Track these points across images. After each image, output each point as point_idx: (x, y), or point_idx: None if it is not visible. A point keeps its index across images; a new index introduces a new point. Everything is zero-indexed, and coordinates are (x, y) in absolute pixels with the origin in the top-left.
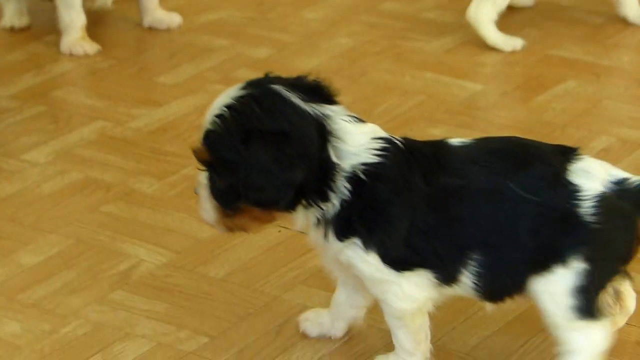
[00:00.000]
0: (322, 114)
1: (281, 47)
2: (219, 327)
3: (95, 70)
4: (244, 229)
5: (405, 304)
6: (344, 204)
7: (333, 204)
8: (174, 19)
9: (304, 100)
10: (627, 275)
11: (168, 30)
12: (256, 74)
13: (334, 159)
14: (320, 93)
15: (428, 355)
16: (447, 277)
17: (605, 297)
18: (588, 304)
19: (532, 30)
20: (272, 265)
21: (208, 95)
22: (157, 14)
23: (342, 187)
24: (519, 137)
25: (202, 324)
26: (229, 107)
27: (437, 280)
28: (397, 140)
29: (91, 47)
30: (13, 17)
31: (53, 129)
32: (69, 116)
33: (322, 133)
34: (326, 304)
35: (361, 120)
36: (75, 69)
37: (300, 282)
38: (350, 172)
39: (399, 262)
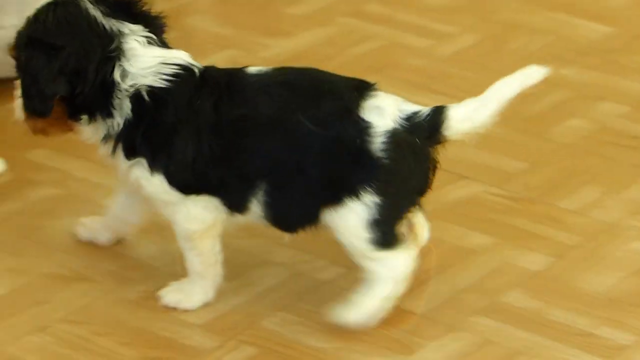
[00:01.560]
0: (118, 31)
1: None
2: None
3: None
4: (43, 132)
5: (193, 225)
6: (127, 123)
7: (117, 123)
8: None
9: (104, 14)
10: (420, 206)
11: None
12: (387, 7)
13: (116, 77)
14: (129, 9)
15: (219, 279)
16: (235, 204)
17: (401, 228)
18: (384, 236)
19: None
20: None
21: (338, 28)
22: None
23: (125, 106)
24: (316, 70)
25: (339, 255)
26: (35, 11)
27: (225, 207)
28: (194, 67)
29: None
30: None
31: None
32: (200, 43)
33: (110, 51)
34: None
35: (161, 43)
36: None
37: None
38: (133, 93)
39: (184, 186)
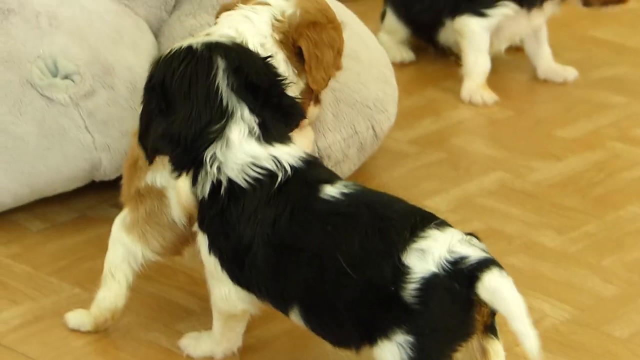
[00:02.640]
0: (231, 111)
1: None
2: None
3: (494, 120)
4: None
5: (226, 306)
6: (202, 200)
7: (202, 192)
8: (570, 73)
9: (230, 87)
10: (497, 335)
11: (563, 83)
12: None
13: (206, 157)
14: (257, 92)
15: (233, 350)
16: (275, 308)
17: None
18: None
19: None
20: None
21: (606, 152)
22: (553, 66)
23: (206, 186)
24: (389, 200)
25: None
26: (172, 52)
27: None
28: (281, 171)
29: (490, 97)
30: (400, 51)
31: (453, 176)
32: (468, 165)
33: (212, 130)
34: None
35: (269, 139)
36: (474, 118)
37: None
38: (216, 179)
39: (233, 276)
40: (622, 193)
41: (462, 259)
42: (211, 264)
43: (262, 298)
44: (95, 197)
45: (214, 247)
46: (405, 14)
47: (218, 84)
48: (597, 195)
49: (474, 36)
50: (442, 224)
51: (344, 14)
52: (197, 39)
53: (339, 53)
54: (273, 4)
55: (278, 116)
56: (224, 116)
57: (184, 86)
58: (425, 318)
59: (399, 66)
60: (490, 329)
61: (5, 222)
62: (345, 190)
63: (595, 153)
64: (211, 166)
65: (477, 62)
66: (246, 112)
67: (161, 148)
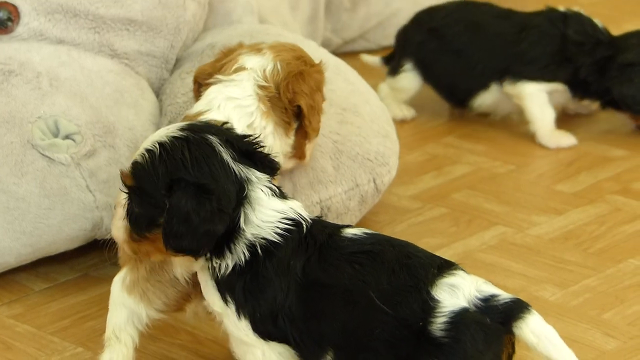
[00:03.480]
0: (246, 177)
1: None
2: None
3: (494, 174)
4: (147, 255)
5: None
6: (237, 268)
7: (227, 265)
8: (565, 140)
9: (233, 158)
10: None
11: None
12: None
13: (242, 224)
14: (253, 156)
15: None
16: (313, 357)
17: None
18: None
19: None
20: None
21: (607, 206)
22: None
23: (240, 252)
24: (406, 243)
25: None
26: (161, 145)
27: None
28: (304, 221)
29: (568, 139)
30: (402, 109)
31: (454, 231)
32: (469, 219)
33: (240, 196)
34: None
35: (281, 195)
36: (474, 173)
37: None
38: (250, 242)
39: (267, 334)
40: (622, 246)
41: (493, 296)
42: (241, 330)
43: (296, 347)
44: (97, 255)
45: (244, 312)
46: (437, 76)
47: (226, 159)
48: (598, 248)
49: (532, 96)
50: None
51: (345, 70)
52: (174, 125)
53: (322, 90)
54: (251, 66)
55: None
56: (242, 182)
57: (205, 171)
58: (455, 353)
59: (399, 122)
60: None
61: (7, 282)
62: (367, 231)
63: (596, 206)
64: (247, 229)
65: (543, 113)
66: (258, 174)
67: (217, 229)
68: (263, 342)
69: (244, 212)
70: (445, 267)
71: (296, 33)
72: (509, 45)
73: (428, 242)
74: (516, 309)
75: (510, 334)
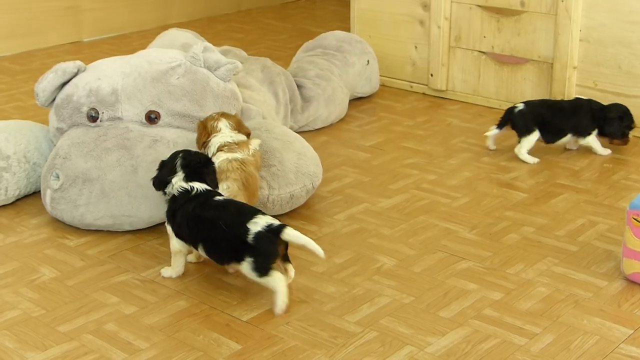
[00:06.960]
0: (175, 171)
1: None
2: None
3: None
4: None
5: (173, 247)
6: (173, 198)
7: (166, 200)
8: None
9: (181, 165)
10: (289, 261)
11: None
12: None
13: (171, 185)
14: (188, 166)
15: (178, 275)
16: (194, 247)
17: (276, 269)
18: (261, 273)
19: None
20: None
21: (471, 329)
22: None
23: (169, 194)
24: (242, 204)
25: None
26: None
27: (189, 245)
28: (194, 190)
29: (604, 150)
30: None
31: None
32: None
33: (175, 169)
34: None
35: (192, 180)
36: None
37: None
38: (172, 190)
39: (176, 234)
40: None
41: (271, 224)
42: (169, 230)
43: (187, 242)
44: None
45: (171, 223)
46: (555, 135)
47: (178, 157)
48: None
49: (595, 141)
50: (264, 213)
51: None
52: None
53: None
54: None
55: (200, 172)
56: (175, 164)
57: (168, 164)
58: (258, 249)
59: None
60: (286, 257)
61: None
62: (225, 196)
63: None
64: (172, 188)
65: (601, 147)
66: (181, 171)
67: (161, 180)
68: (174, 237)
69: (172, 181)
70: (253, 212)
71: (277, 122)
72: None
73: None
74: (281, 227)
75: (281, 238)
